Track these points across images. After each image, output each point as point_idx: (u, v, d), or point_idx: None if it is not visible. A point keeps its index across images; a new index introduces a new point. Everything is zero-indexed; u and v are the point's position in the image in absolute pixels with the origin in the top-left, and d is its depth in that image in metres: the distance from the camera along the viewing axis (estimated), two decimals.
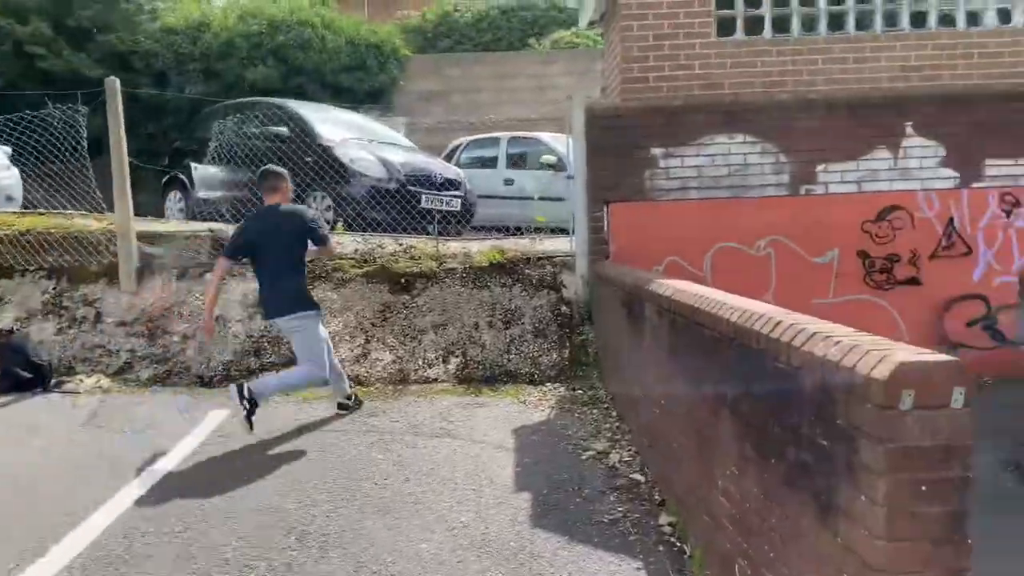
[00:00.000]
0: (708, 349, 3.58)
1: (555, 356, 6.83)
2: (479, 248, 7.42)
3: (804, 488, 2.60)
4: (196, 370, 6.70)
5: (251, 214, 5.85)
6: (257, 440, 5.30)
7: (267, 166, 5.77)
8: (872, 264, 6.79)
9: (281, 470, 4.83)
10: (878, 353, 2.21)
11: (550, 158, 10.49)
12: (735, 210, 6.79)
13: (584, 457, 5.11)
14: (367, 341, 6.79)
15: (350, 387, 6.02)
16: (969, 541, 2.11)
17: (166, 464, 4.94)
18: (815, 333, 2.60)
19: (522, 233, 8.25)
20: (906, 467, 2.11)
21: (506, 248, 7.29)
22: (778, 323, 2.88)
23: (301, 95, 14.50)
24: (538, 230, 8.20)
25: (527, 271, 7.15)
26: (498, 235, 8.31)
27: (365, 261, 7.21)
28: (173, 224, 8.37)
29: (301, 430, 5.56)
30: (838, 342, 2.44)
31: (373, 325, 6.87)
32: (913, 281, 6.78)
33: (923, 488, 2.12)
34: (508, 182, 11.13)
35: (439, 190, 8.83)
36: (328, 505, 4.31)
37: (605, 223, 6.87)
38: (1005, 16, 6.95)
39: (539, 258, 7.24)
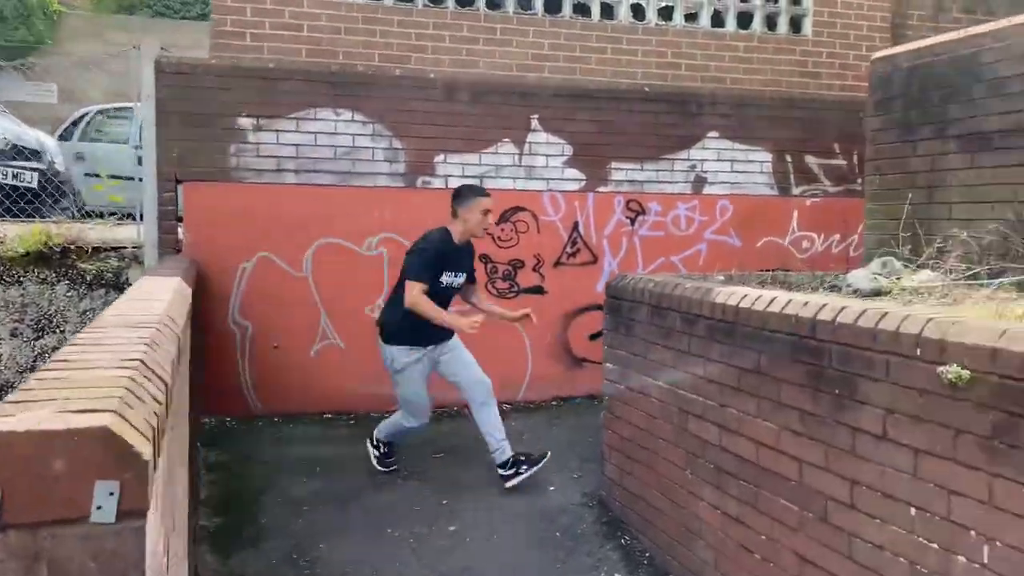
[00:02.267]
0: None
1: None
2: (18, 232, 5.71)
3: None
4: None
5: None
6: None
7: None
8: (495, 270, 6.09)
9: None
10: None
11: None
12: (342, 200, 5.76)
13: None
14: None
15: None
16: None
17: None
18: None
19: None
20: None
21: (55, 234, 5.67)
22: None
23: None
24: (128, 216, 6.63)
25: (82, 265, 5.58)
26: (76, 220, 6.63)
27: None
28: None
29: None
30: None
31: None
32: (537, 290, 6.17)
33: None
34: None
35: (5, 160, 6.95)
36: None
37: (178, 207, 5.52)
38: (639, 12, 6.61)
39: (100, 249, 5.70)
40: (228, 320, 5.60)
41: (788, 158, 6.67)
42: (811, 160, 6.73)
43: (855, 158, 6.71)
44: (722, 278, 4.36)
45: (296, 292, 5.70)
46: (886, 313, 2.52)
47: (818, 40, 6.90)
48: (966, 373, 2.17)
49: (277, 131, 5.62)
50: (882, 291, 3.77)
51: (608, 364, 4.36)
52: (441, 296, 4.52)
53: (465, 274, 4.67)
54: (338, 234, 5.76)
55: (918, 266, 3.97)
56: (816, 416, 2.75)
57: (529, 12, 6.32)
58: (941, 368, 2.24)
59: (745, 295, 3.20)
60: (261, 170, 5.61)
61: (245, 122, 5.56)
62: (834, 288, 3.99)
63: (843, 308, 2.70)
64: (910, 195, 4.29)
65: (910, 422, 2.38)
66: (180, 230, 5.58)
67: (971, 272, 3.62)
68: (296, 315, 5.68)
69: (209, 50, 5.82)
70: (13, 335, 5.28)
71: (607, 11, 6.53)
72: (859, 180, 6.80)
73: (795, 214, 6.71)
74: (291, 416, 5.69)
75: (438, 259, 4.47)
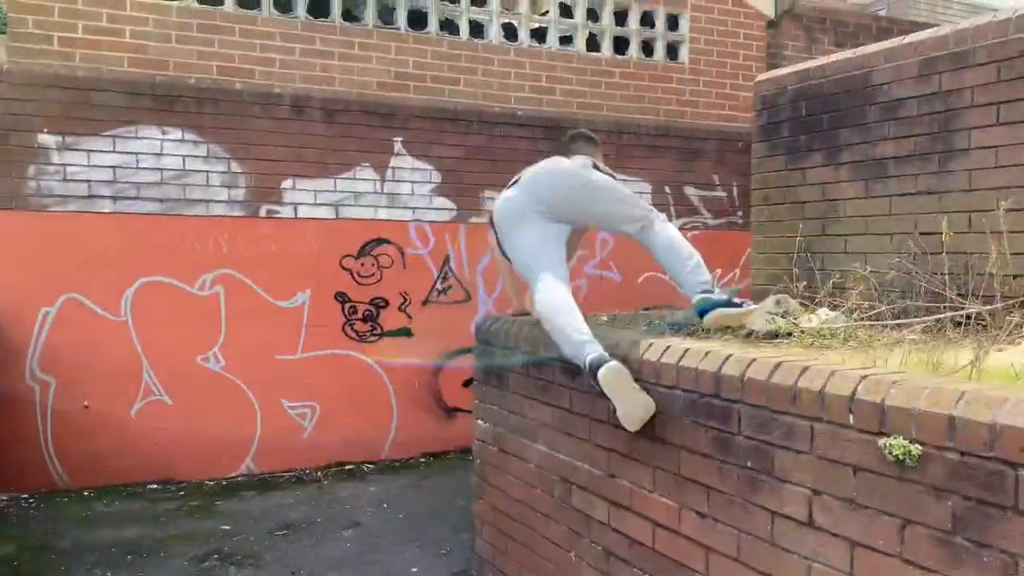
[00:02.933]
0: None
1: None
2: None
3: None
4: None
5: None
6: None
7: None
8: (354, 310, 5.41)
9: None
10: None
11: None
12: (170, 232, 4.95)
13: None
14: None
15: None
16: None
17: None
18: None
19: None
20: None
21: None
22: None
23: None
24: None
25: None
26: None
27: None
28: None
29: None
30: None
31: None
32: (404, 332, 5.54)
33: None
34: None
35: None
36: None
37: None
38: (512, 32, 6.16)
39: None
40: (25, 376, 4.66)
41: (667, 189, 6.37)
42: (691, 191, 6.46)
43: (735, 190, 6.49)
44: (605, 319, 3.87)
45: (112, 340, 4.83)
46: (807, 367, 2.05)
47: (695, 68, 6.67)
48: (916, 449, 1.71)
49: (88, 151, 4.77)
50: (780, 333, 3.38)
51: (479, 421, 3.76)
52: None
53: None
54: (164, 271, 4.95)
55: (815, 304, 3.62)
56: (725, 494, 2.24)
57: (391, 27, 5.74)
58: (883, 441, 1.77)
59: (634, 342, 2.69)
60: (68, 196, 4.74)
61: (47, 139, 4.69)
62: (725, 329, 3.58)
63: (752, 361, 2.22)
64: (801, 226, 3.95)
65: (843, 507, 1.90)
66: None
67: (875, 311, 3.28)
68: (112, 367, 4.80)
69: (7, 55, 4.90)
70: None
71: (477, 29, 6.05)
72: (739, 212, 6.59)
73: None
74: (106, 489, 4.79)
75: None
